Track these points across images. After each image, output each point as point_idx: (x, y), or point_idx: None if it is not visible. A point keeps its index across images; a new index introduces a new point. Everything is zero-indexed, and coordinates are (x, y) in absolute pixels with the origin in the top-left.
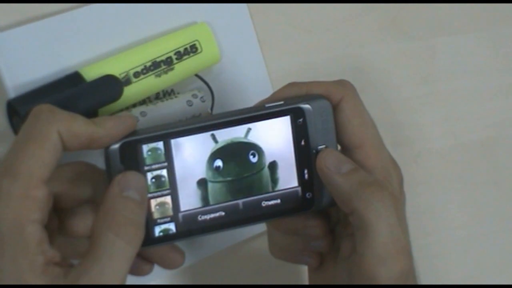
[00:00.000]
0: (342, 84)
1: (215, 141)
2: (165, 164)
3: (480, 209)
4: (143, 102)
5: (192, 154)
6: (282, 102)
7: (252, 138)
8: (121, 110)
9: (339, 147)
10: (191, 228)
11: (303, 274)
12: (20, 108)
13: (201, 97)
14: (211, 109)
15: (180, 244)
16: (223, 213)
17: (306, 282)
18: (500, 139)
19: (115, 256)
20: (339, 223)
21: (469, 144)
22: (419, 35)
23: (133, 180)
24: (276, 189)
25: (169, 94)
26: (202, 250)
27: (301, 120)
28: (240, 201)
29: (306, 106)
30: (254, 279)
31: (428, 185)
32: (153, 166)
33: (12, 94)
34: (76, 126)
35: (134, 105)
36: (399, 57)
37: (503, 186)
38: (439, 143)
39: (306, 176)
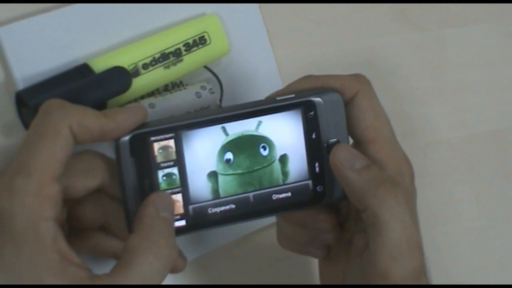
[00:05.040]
0: (358, 78)
1: (226, 133)
2: (176, 156)
3: (489, 201)
4: (151, 93)
5: (203, 147)
6: (293, 95)
7: (263, 131)
8: (130, 102)
9: (351, 141)
10: (201, 220)
11: (312, 266)
12: (29, 99)
13: (210, 89)
14: (220, 101)
15: (188, 235)
16: (233, 206)
17: (315, 275)
18: (509, 130)
19: (150, 276)
20: (350, 217)
21: (478, 136)
22: (428, 26)
23: (167, 200)
24: (287, 182)
25: (178, 86)
26: (210, 242)
27: (312, 113)
28: (250, 194)
29: (317, 99)
30: (263, 271)
31: (437, 176)
32: (163, 158)
33: (21, 85)
34: (87, 120)
35: (142, 97)
36: (409, 49)
37: None
38: (449, 134)
39: (317, 169)
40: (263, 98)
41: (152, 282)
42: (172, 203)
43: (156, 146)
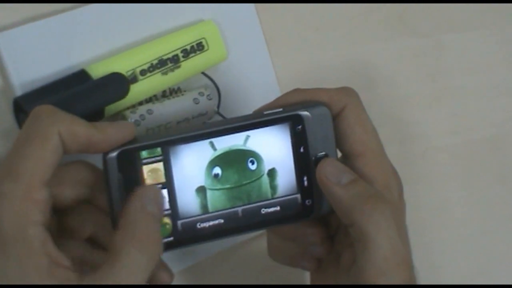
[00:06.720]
0: (346, 91)
1: (214, 148)
2: (163, 172)
3: (486, 206)
4: (149, 100)
5: (191, 162)
6: (281, 109)
7: (251, 145)
8: (128, 108)
9: (340, 155)
10: (190, 236)
11: (303, 276)
12: (27, 105)
13: (208, 95)
14: (218, 107)
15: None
16: (222, 221)
17: (306, 283)
18: (506, 136)
19: (135, 271)
20: (339, 230)
21: (475, 142)
22: (426, 32)
23: (153, 194)
24: (276, 196)
25: (176, 92)
26: (201, 251)
27: (300, 127)
28: (239, 209)
29: (305, 113)
30: (253, 280)
31: (434, 182)
32: (151, 174)
33: (18, 91)
34: (76, 128)
35: (140, 103)
36: (406, 54)
37: (510, 184)
38: (446, 140)
39: (306, 183)
40: (260, 103)
41: (136, 278)
42: (160, 196)
43: (144, 161)
